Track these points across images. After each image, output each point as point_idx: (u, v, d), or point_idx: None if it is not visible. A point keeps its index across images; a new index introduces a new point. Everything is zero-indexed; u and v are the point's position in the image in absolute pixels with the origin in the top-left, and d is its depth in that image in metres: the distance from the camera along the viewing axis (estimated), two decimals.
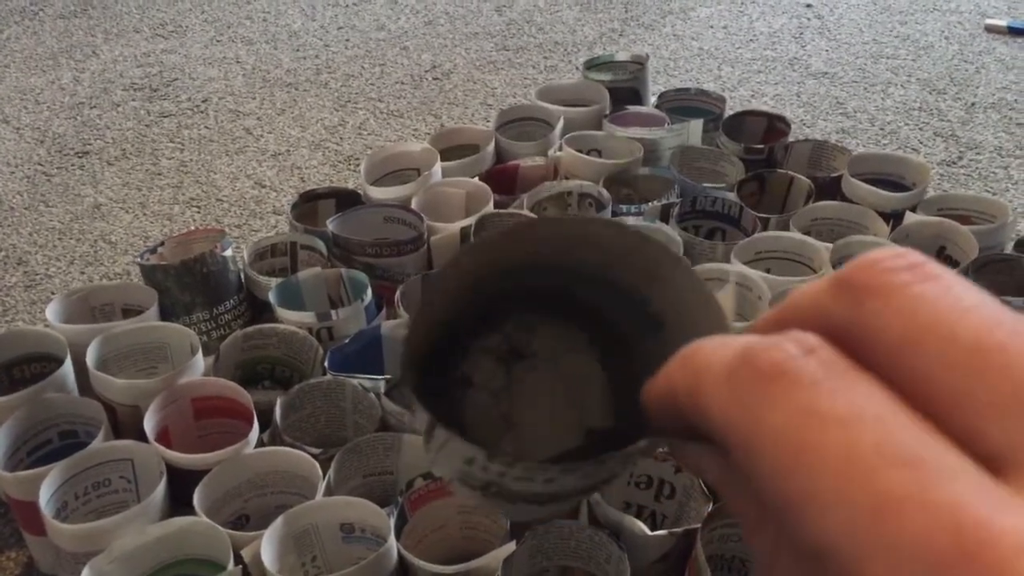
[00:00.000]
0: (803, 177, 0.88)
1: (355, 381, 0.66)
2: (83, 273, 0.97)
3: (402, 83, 1.36)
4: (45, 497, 0.57)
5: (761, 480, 0.15)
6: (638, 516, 0.56)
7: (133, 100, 1.32)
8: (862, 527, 0.13)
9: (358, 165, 1.14)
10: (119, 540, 0.55)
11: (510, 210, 0.84)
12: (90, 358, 0.66)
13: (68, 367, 0.67)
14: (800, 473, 0.14)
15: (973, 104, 1.25)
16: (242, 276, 0.79)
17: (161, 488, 0.58)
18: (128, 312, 0.75)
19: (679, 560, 0.57)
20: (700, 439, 0.18)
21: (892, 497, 0.13)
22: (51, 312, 0.71)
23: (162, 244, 0.79)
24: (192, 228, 0.96)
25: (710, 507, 0.56)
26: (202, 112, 1.29)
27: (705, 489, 0.58)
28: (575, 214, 0.26)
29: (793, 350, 0.15)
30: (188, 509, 0.58)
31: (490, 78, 1.37)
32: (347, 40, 1.50)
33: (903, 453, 0.14)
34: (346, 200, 0.89)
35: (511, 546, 0.54)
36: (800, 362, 0.15)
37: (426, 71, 1.39)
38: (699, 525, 0.55)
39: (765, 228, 0.83)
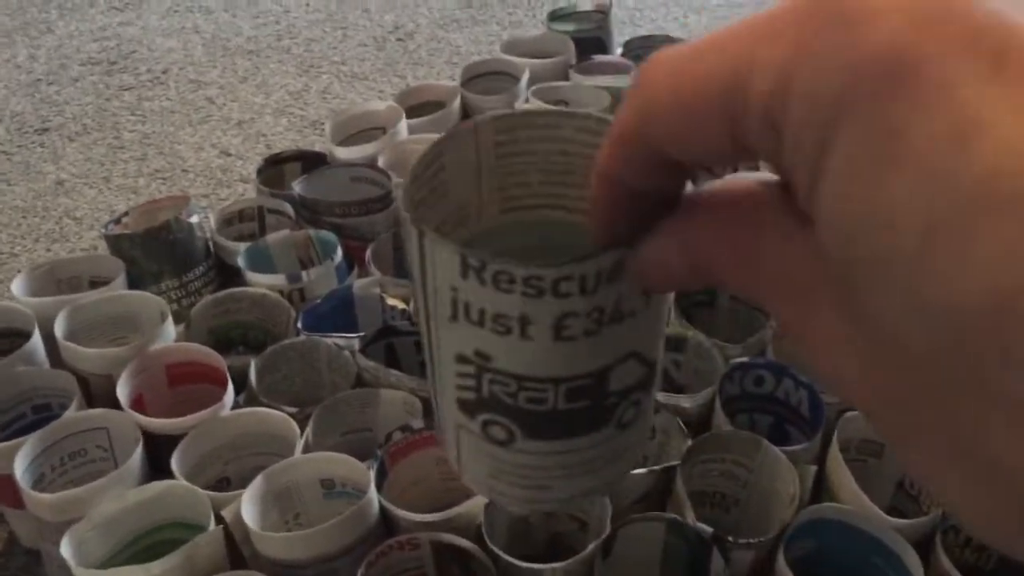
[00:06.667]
0: None
1: (330, 340, 0.66)
2: (49, 250, 0.95)
3: (365, 45, 1.34)
4: (21, 468, 0.57)
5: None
6: None
7: (91, 75, 1.29)
8: None
9: (324, 130, 1.13)
10: (98, 507, 0.55)
11: None
12: (59, 330, 0.65)
13: (37, 340, 0.66)
14: None
15: None
16: (210, 243, 0.79)
17: (138, 454, 0.57)
18: (96, 284, 0.73)
19: (660, 498, 0.58)
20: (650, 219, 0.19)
21: None
22: (16, 286, 0.70)
23: (126, 214, 0.78)
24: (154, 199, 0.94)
25: (688, 443, 0.56)
26: (162, 83, 1.26)
27: (683, 427, 0.59)
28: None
29: None
30: (167, 476, 0.58)
31: (454, 36, 1.35)
32: (307, 4, 1.47)
33: None
34: (312, 162, 0.88)
35: None
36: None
37: (389, 32, 1.37)
38: (678, 462, 0.55)
39: (736, 170, 0.83)
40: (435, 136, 0.84)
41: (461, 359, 0.22)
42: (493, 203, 0.25)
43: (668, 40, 1.04)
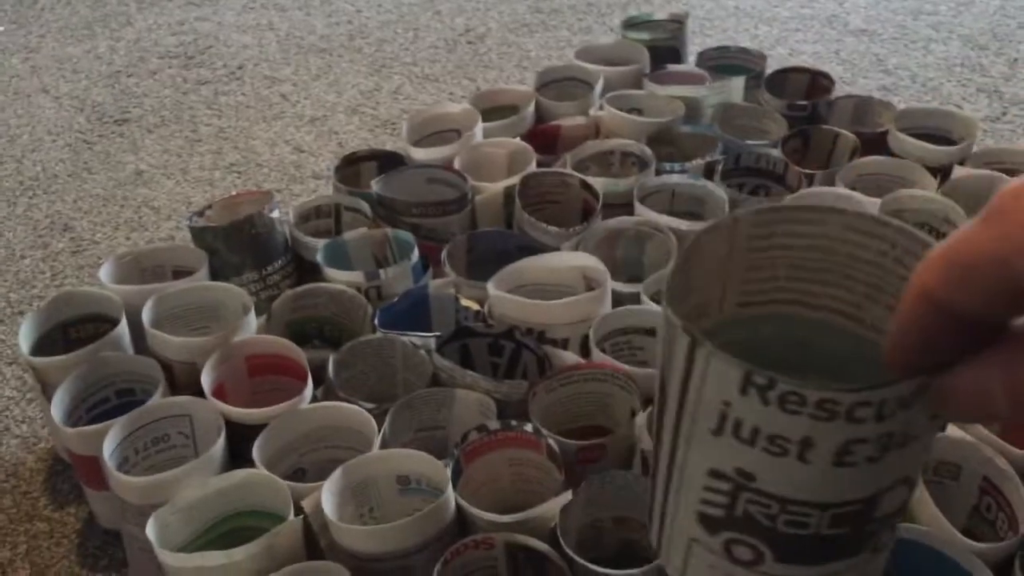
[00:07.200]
0: (848, 133, 0.87)
1: (406, 338, 0.67)
2: (128, 238, 0.98)
3: (436, 47, 1.36)
4: (108, 451, 0.58)
5: None
6: None
7: (169, 68, 1.32)
8: None
9: (395, 129, 1.14)
10: (181, 492, 0.56)
11: (554, 169, 0.83)
12: (145, 317, 0.67)
13: (124, 327, 0.68)
14: None
15: (1016, 60, 1.23)
16: (288, 237, 0.80)
17: (221, 442, 0.59)
18: (178, 274, 0.75)
19: None
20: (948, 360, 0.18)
21: None
22: (104, 274, 0.72)
23: (210, 207, 0.80)
24: (235, 192, 0.96)
25: None
26: (238, 79, 1.29)
27: None
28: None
29: None
30: (242, 464, 0.59)
31: (524, 41, 1.36)
32: (379, 5, 1.49)
33: None
34: (388, 162, 0.89)
35: (568, 495, 0.54)
36: None
37: (460, 35, 1.39)
38: None
39: (810, 184, 0.82)
40: (510, 140, 0.84)
41: (716, 475, 0.21)
42: (733, 295, 0.24)
43: (743, 52, 1.04)
